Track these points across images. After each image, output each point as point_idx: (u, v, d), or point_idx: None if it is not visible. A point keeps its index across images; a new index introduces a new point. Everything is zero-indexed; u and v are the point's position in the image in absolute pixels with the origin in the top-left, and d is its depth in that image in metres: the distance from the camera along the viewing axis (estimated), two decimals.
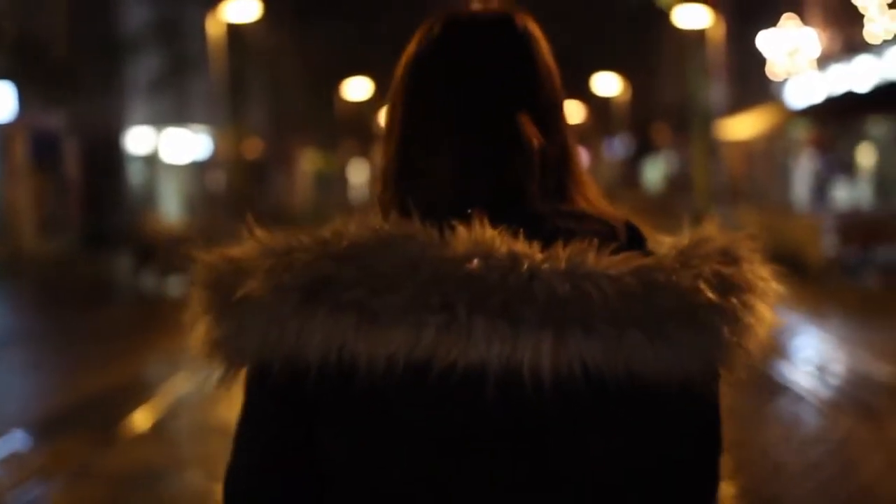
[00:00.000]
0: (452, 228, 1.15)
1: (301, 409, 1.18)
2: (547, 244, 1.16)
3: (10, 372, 10.73)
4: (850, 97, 21.90)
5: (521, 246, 1.15)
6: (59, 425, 7.90)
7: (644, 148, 50.59)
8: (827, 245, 16.57)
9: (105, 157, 27.27)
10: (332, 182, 52.68)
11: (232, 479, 1.22)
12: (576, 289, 1.13)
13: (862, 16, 21.15)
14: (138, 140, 29.95)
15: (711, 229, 1.22)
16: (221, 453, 4.82)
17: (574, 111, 51.64)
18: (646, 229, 1.27)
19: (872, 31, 20.67)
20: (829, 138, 24.70)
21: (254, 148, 38.41)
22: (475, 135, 1.24)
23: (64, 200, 25.40)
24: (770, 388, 8.48)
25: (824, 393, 8.49)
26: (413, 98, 1.28)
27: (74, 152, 25.90)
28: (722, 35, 27.67)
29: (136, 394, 8.91)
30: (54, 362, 11.20)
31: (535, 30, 1.30)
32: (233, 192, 30.39)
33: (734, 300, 1.17)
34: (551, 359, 1.12)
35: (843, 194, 23.48)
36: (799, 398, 8.33)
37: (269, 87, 40.35)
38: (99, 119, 25.83)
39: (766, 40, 26.47)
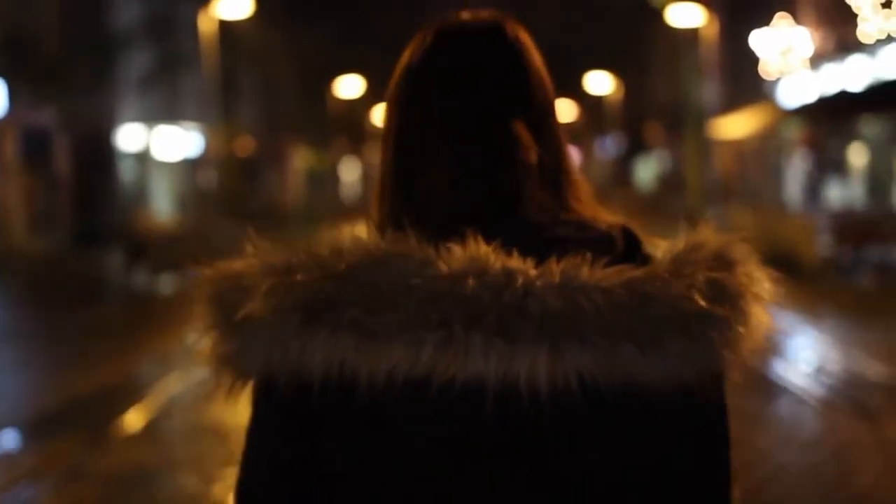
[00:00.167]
0: (447, 247, 1.16)
1: (306, 423, 1.21)
2: (544, 254, 1.17)
3: (1, 371, 10.65)
4: (842, 97, 21.91)
5: (515, 262, 1.16)
6: (51, 425, 7.83)
7: (636, 147, 50.62)
8: (821, 245, 16.57)
9: (96, 154, 27.18)
10: (324, 180, 52.61)
11: (241, 491, 1.25)
12: (569, 303, 1.15)
13: (854, 15, 21.15)
14: (130, 137, 29.85)
15: (705, 233, 1.23)
16: (215, 454, 4.76)
17: (566, 110, 51.69)
18: (641, 233, 1.28)
19: (866, 30, 20.67)
20: (822, 138, 24.73)
21: (245, 145, 38.33)
22: (469, 143, 1.26)
23: (55, 198, 25.30)
24: (766, 388, 8.46)
25: (821, 393, 8.46)
26: (407, 108, 1.30)
27: (65, 149, 25.80)
28: (715, 34, 27.68)
29: (129, 393, 8.85)
30: (45, 361, 11.13)
31: (525, 37, 1.32)
32: (224, 189, 30.31)
33: (728, 307, 1.18)
34: (547, 372, 1.14)
35: (836, 194, 23.50)
36: (795, 398, 8.31)
37: (261, 85, 40.27)
38: (90, 116, 25.73)
39: (758, 39, 26.47)
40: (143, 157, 31.60)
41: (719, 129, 30.18)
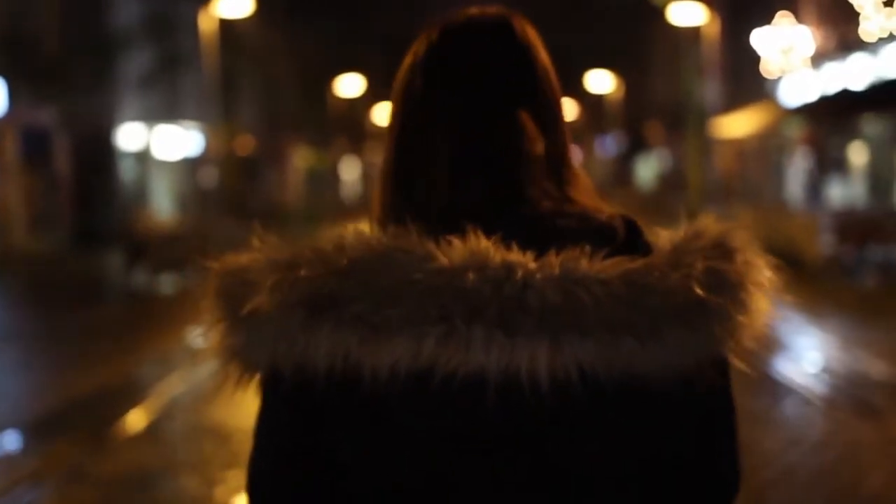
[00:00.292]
0: (448, 241, 1.18)
1: (311, 415, 1.23)
2: (545, 246, 1.19)
3: (1, 371, 10.61)
4: (844, 96, 21.86)
5: (515, 255, 1.18)
6: (51, 426, 7.78)
7: (637, 146, 50.55)
8: (824, 244, 16.52)
9: (96, 153, 27.13)
10: (324, 179, 52.56)
11: (252, 481, 1.28)
12: (568, 295, 1.16)
13: (855, 14, 21.11)
14: (130, 137, 29.81)
15: (706, 222, 1.24)
16: (217, 456, 4.69)
17: (567, 109, 51.42)
18: (643, 223, 1.29)
19: (868, 29, 20.63)
20: (823, 137, 24.68)
21: (246, 145, 38.28)
22: (474, 136, 1.27)
23: (55, 197, 25.25)
24: (770, 388, 8.41)
25: (825, 392, 8.42)
26: (412, 102, 1.31)
27: (65, 149, 25.75)
28: (716, 32, 27.62)
29: (130, 394, 8.80)
30: (45, 362, 11.08)
31: (532, 32, 1.34)
32: (225, 189, 30.27)
33: (727, 295, 1.19)
34: (548, 364, 1.15)
35: (837, 193, 23.45)
36: (799, 398, 8.26)
37: (261, 84, 40.21)
38: (90, 115, 25.69)
39: (760, 38, 26.42)
40: (144, 157, 31.55)
41: (720, 128, 30.13)
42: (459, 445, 1.20)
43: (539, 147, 1.28)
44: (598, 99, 50.95)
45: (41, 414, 8.26)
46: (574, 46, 38.82)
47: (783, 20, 25.76)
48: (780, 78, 26.72)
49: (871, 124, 22.52)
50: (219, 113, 30.04)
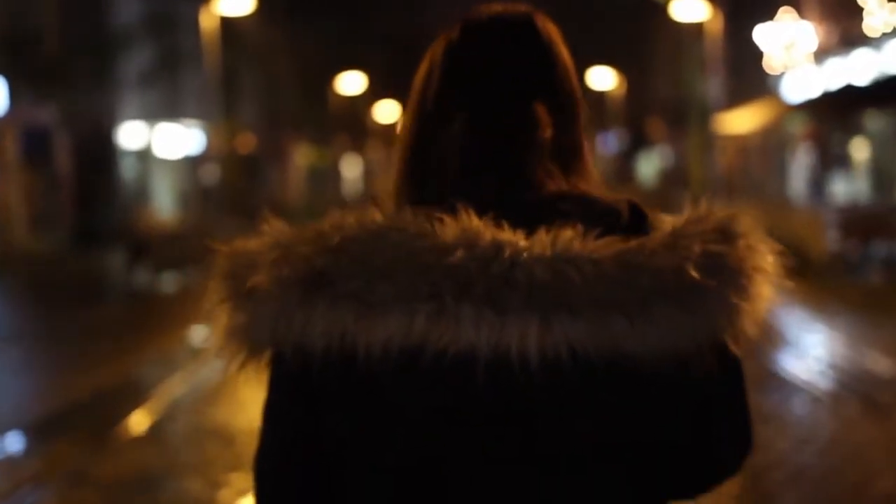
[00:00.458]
0: (439, 219, 1.19)
1: (311, 397, 1.26)
2: (548, 228, 1.20)
3: (2, 372, 10.54)
4: (847, 91, 21.77)
5: (505, 234, 1.19)
6: (53, 428, 7.72)
7: (638, 142, 50.47)
8: (829, 240, 16.45)
9: (97, 152, 27.06)
10: (326, 177, 52.47)
11: (259, 461, 1.31)
12: (557, 273, 1.16)
13: (858, 9, 21.02)
14: (131, 135, 29.74)
15: (709, 208, 1.24)
16: (221, 458, 4.60)
17: None
18: (648, 208, 1.29)
19: (871, 24, 20.54)
20: (826, 132, 24.59)
21: (247, 143, 38.21)
22: (487, 126, 1.30)
23: (55, 196, 25.19)
24: (776, 384, 8.35)
25: (831, 388, 8.36)
26: (430, 92, 1.34)
27: (66, 147, 25.68)
28: (719, 28, 27.52)
29: (132, 395, 8.73)
30: (46, 362, 11.02)
31: (554, 30, 1.38)
32: (226, 187, 30.21)
33: (725, 280, 1.18)
34: (538, 343, 1.16)
35: (840, 188, 23.37)
36: (805, 394, 8.20)
37: (262, 82, 40.14)
38: (91, 114, 25.62)
39: (762, 34, 26.34)
40: (145, 155, 31.49)
41: (723, 125, 30.05)
42: (450, 422, 1.21)
43: (548, 132, 1.30)
44: (600, 96, 50.85)
45: (42, 415, 8.19)
46: (575, 43, 38.57)
47: (786, 16, 25.67)
48: (782, 74, 26.63)
49: (875, 120, 22.43)
50: (220, 111, 29.97)
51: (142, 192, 31.12)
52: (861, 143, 23.39)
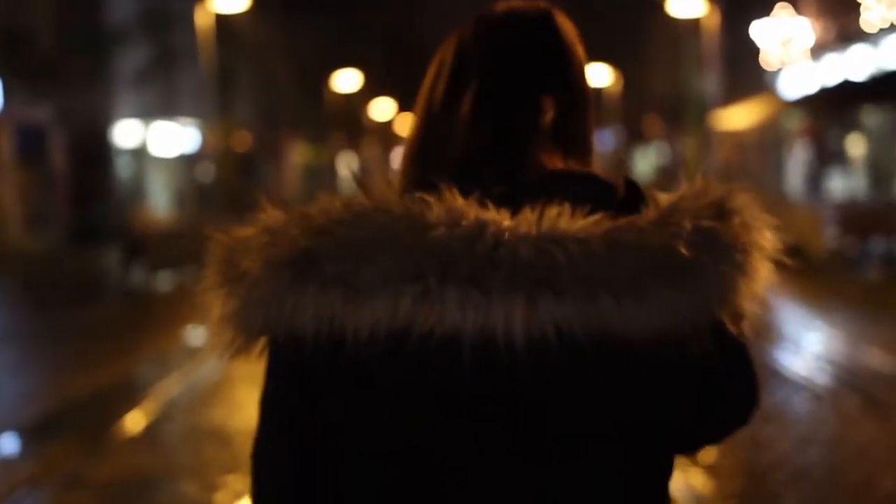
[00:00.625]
0: (423, 200, 1.19)
1: (304, 383, 1.26)
2: (535, 206, 1.18)
3: None
4: (844, 87, 21.73)
5: (489, 213, 1.18)
6: (48, 429, 7.65)
7: (635, 139, 50.42)
8: (828, 237, 16.41)
9: (92, 150, 26.97)
10: (322, 174, 52.39)
11: (256, 448, 1.32)
12: (541, 252, 1.15)
13: (855, 5, 20.98)
14: (126, 133, 29.66)
15: (705, 183, 1.22)
16: (217, 460, 4.52)
17: None
18: (645, 186, 1.27)
19: (868, 19, 20.49)
20: (823, 128, 24.55)
21: (243, 141, 38.12)
22: (494, 115, 1.30)
23: (51, 195, 25.10)
24: (777, 382, 8.31)
25: (830, 384, 8.32)
26: (443, 81, 1.34)
27: (61, 146, 25.59)
28: (716, 24, 27.46)
29: (128, 395, 8.66)
30: (41, 362, 10.95)
31: (571, 27, 1.39)
32: (222, 185, 30.13)
33: (718, 257, 1.16)
34: (524, 324, 1.14)
35: (838, 185, 23.33)
36: (807, 392, 8.16)
37: (258, 80, 40.05)
38: (86, 112, 25.53)
39: (759, 30, 26.29)
40: (140, 154, 31.40)
41: (720, 121, 30.00)
42: (438, 404, 1.21)
43: (549, 117, 1.32)
44: (597, 92, 50.75)
45: (38, 416, 8.12)
46: None
47: (782, 11, 25.62)
48: (779, 70, 26.58)
49: (872, 116, 22.39)
50: (215, 109, 29.89)
51: (137, 191, 31.03)
52: (858, 139, 23.35)
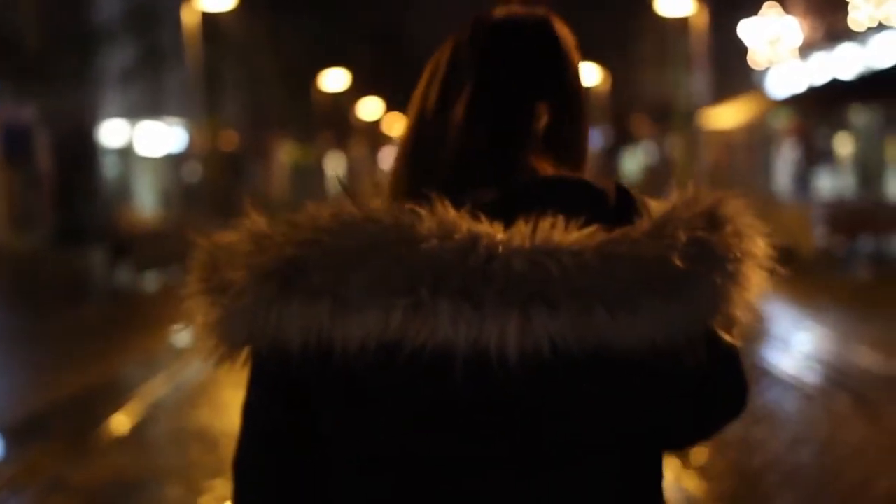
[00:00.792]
0: (415, 211, 1.17)
1: (290, 392, 1.25)
2: (538, 210, 1.18)
3: None
4: (832, 86, 21.75)
5: (482, 226, 1.16)
6: (31, 432, 7.56)
7: (623, 139, 50.45)
8: (817, 236, 16.41)
9: (78, 150, 26.81)
10: (309, 174, 52.27)
11: (237, 457, 1.30)
12: (535, 265, 1.14)
13: (843, 4, 20.99)
14: (112, 133, 29.51)
15: (697, 191, 1.22)
16: (203, 463, 4.43)
17: None
18: (636, 193, 1.27)
19: (856, 18, 20.50)
20: (811, 127, 24.57)
21: (230, 140, 37.99)
22: (489, 119, 1.30)
23: (36, 195, 24.96)
24: (766, 381, 8.28)
25: (818, 383, 8.29)
26: (437, 84, 1.33)
27: (47, 145, 25.44)
28: (704, 23, 27.46)
29: (113, 397, 8.57)
30: (25, 363, 10.84)
31: (568, 34, 1.39)
32: (209, 185, 30.02)
33: (712, 267, 1.16)
34: (518, 339, 1.13)
35: (826, 184, 23.36)
36: (796, 391, 8.13)
37: (245, 79, 39.93)
38: (72, 111, 25.38)
39: (747, 29, 26.30)
40: (127, 153, 31.26)
41: (708, 120, 30.01)
42: (432, 415, 1.20)
43: (543, 123, 1.31)
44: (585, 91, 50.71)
45: (21, 418, 8.03)
46: None
47: (770, 11, 25.64)
48: (767, 69, 26.60)
49: (860, 115, 22.41)
50: (202, 108, 29.78)
51: (124, 191, 30.89)
52: (846, 138, 23.37)
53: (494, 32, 1.35)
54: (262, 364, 1.24)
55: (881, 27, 20.02)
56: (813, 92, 22.87)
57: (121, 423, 7.62)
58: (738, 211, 1.22)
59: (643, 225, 1.19)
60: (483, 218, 1.18)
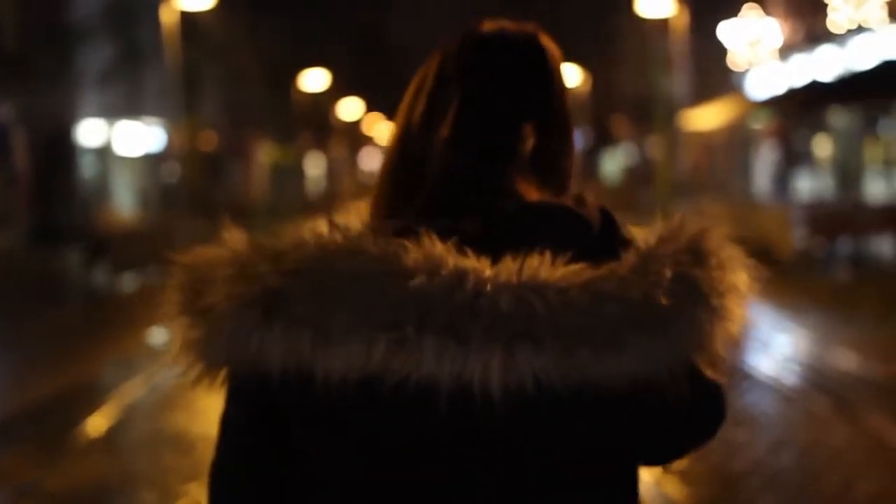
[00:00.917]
0: (402, 245, 1.17)
1: (268, 412, 1.24)
2: (522, 238, 1.18)
3: None
4: (811, 88, 21.82)
5: (469, 262, 1.16)
6: (4, 435, 7.45)
7: (602, 140, 50.52)
8: (796, 238, 16.43)
9: (55, 149, 26.61)
10: (289, 175, 52.12)
11: (212, 475, 1.29)
12: (521, 303, 1.14)
13: (822, 6, 21.07)
14: (90, 132, 29.32)
15: (680, 222, 1.22)
16: (178, 467, 4.33)
17: None
18: (619, 218, 1.27)
19: (836, 20, 20.57)
20: (790, 129, 24.65)
21: (209, 140, 37.81)
22: (477, 136, 1.29)
23: (12, 194, 24.76)
24: (743, 381, 8.26)
25: (798, 385, 8.28)
26: (423, 101, 1.33)
27: (23, 144, 25.24)
28: (685, 25, 27.51)
29: (88, 400, 8.47)
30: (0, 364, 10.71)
31: (556, 52, 1.38)
32: (187, 185, 29.86)
33: (697, 303, 1.17)
34: (501, 375, 1.13)
35: (805, 185, 23.43)
36: (775, 393, 8.11)
37: (224, 79, 39.75)
38: (49, 110, 25.19)
39: (727, 30, 26.37)
40: (104, 153, 31.07)
41: (688, 121, 30.07)
42: (412, 448, 1.20)
43: (531, 143, 1.31)
44: None
45: None
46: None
47: (750, 12, 25.71)
48: (747, 70, 26.67)
49: (839, 116, 22.50)
50: (181, 108, 29.63)
51: (101, 191, 30.69)
52: (825, 140, 23.45)
53: (482, 47, 1.34)
54: (241, 384, 1.23)
55: (860, 29, 20.09)
56: (792, 93, 22.95)
57: (96, 426, 7.52)
58: (720, 244, 1.22)
59: (629, 260, 1.18)
60: (469, 252, 1.17)
